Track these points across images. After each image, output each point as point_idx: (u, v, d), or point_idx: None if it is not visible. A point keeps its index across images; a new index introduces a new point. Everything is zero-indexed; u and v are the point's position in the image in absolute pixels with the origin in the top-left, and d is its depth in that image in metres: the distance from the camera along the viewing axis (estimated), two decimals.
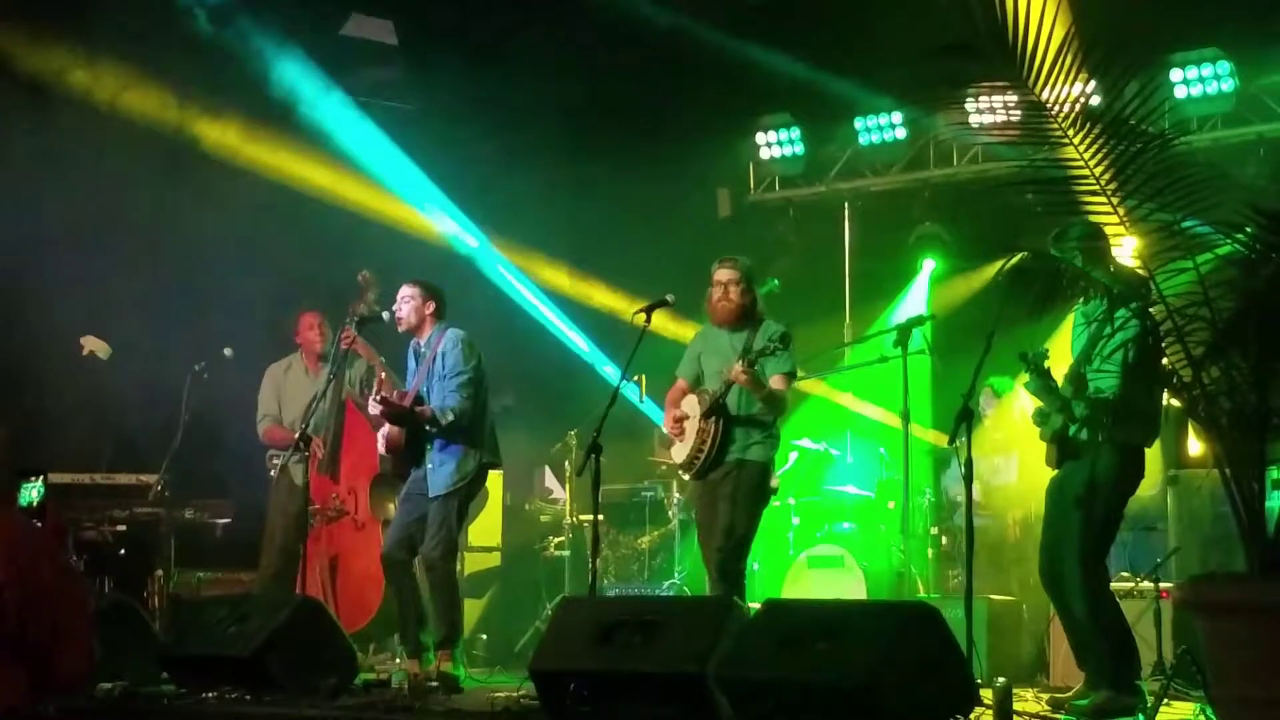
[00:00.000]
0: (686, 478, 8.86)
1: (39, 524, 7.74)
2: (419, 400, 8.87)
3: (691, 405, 8.52)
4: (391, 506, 9.88)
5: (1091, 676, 7.45)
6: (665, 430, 8.71)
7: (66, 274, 10.98)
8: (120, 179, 11.23)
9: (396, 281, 9.20)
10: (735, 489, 8.23)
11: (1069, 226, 7.10)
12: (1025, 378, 8.20)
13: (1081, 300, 6.89)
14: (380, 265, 10.10)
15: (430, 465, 8.81)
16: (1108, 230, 6.58)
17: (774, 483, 8.59)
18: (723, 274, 8.48)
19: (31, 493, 9.43)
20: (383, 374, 9.05)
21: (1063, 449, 7.48)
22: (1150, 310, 5.78)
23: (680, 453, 8.53)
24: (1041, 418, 7.61)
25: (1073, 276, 6.29)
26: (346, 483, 10.06)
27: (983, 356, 7.00)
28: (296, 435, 9.77)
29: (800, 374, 9.01)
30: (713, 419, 8.31)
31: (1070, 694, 7.57)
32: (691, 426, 8.42)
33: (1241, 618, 5.00)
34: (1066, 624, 7.70)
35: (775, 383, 8.31)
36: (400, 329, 9.05)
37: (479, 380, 8.88)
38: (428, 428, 8.78)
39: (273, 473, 10.15)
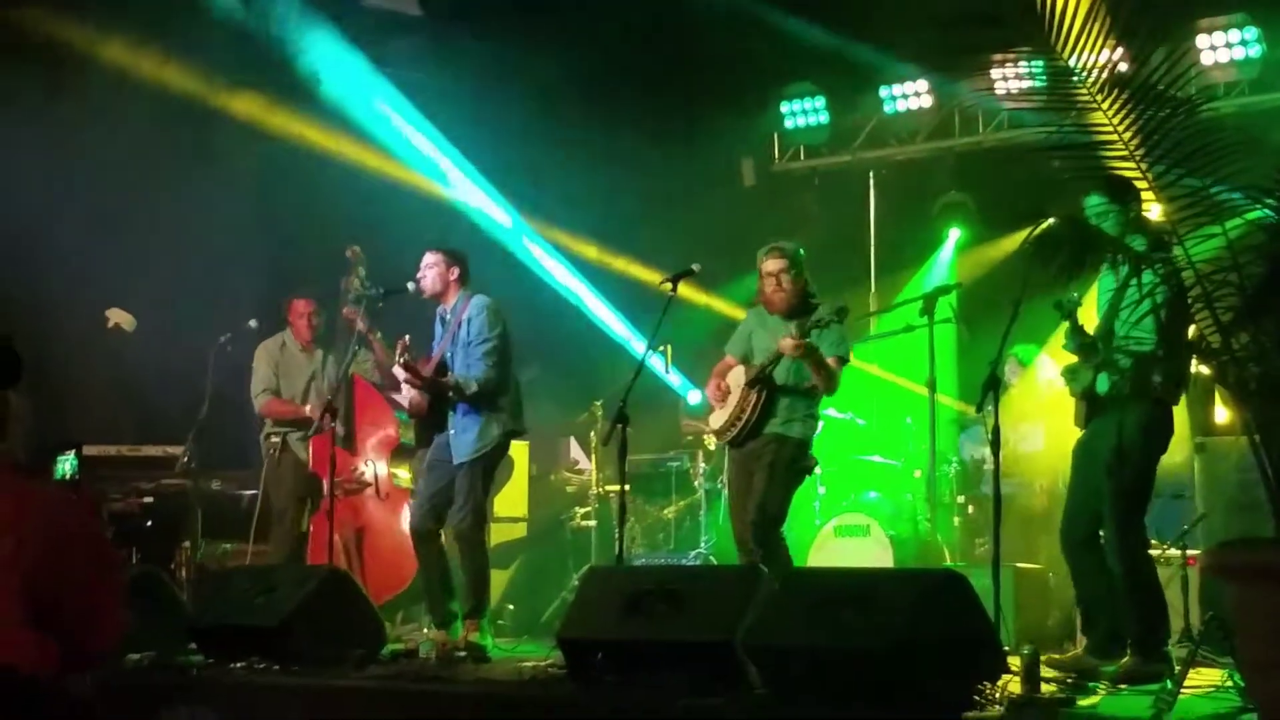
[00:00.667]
0: (714, 445, 8.80)
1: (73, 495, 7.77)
2: (442, 366, 8.87)
3: (737, 377, 8.52)
4: (400, 473, 9.93)
5: (1093, 646, 7.45)
6: (707, 396, 8.70)
7: (91, 246, 11.01)
8: (146, 151, 11.26)
9: (416, 251, 9.20)
10: (773, 462, 8.23)
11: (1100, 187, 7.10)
12: (1053, 345, 8.16)
13: (1108, 264, 6.88)
14: (403, 234, 10.12)
15: (453, 431, 8.80)
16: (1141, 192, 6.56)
17: (811, 463, 8.53)
18: (771, 264, 8.44)
19: (65, 465, 9.49)
20: (397, 344, 8.99)
21: (1091, 406, 7.47)
22: (1179, 275, 5.73)
23: (718, 419, 8.53)
24: (1070, 374, 7.60)
25: (1100, 242, 6.27)
26: (364, 455, 10.08)
27: (1010, 323, 6.96)
28: (309, 410, 9.81)
29: None
30: (756, 388, 8.31)
31: (1067, 657, 7.55)
32: (733, 395, 8.43)
33: (1270, 583, 4.98)
34: (1079, 588, 7.70)
35: (832, 363, 8.30)
36: (425, 296, 9.04)
37: (504, 348, 8.85)
38: (451, 395, 8.79)
39: (271, 452, 10.15)
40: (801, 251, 8.56)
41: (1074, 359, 7.61)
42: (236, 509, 10.63)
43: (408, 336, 8.90)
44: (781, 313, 8.45)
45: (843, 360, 8.40)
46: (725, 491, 11.57)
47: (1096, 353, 7.38)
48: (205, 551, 10.34)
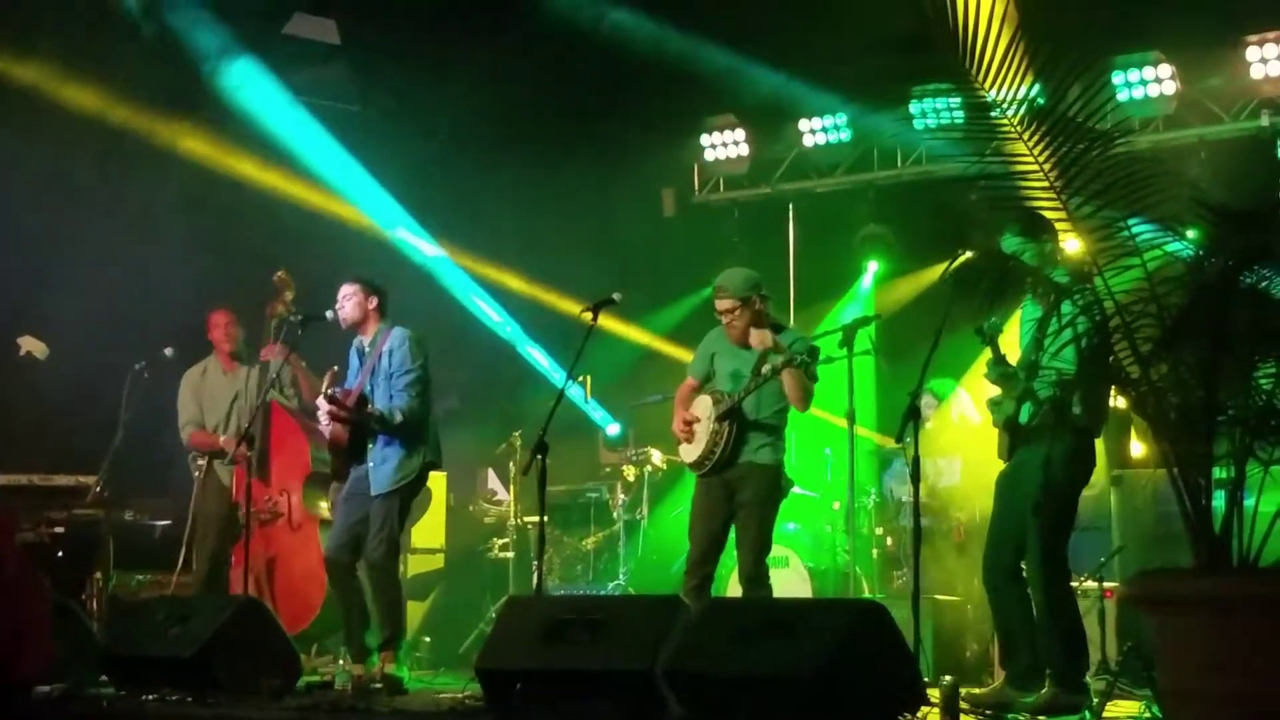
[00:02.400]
0: (633, 477, 8.77)
1: None
2: (363, 399, 8.80)
3: (702, 407, 8.49)
4: (324, 505, 9.81)
5: (1013, 677, 7.46)
6: (674, 431, 8.65)
7: (2, 273, 10.85)
8: (61, 176, 11.13)
9: (335, 279, 9.15)
10: (752, 500, 8.27)
11: (1015, 223, 7.17)
12: (969, 380, 8.15)
13: (1029, 296, 6.92)
14: (322, 263, 10.04)
15: (371, 463, 8.75)
16: (1056, 227, 6.63)
17: (787, 485, 8.55)
18: (720, 304, 8.43)
19: None
20: (326, 375, 8.91)
21: (1014, 437, 7.49)
22: (1099, 306, 5.77)
23: (691, 453, 8.49)
24: (994, 405, 7.63)
25: (1020, 274, 6.31)
26: (278, 484, 9.99)
27: (930, 353, 6.99)
28: (224, 438, 9.71)
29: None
30: (727, 421, 8.31)
31: (986, 692, 7.56)
32: (703, 428, 8.40)
33: (1189, 612, 5.01)
34: (1000, 620, 7.71)
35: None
36: (344, 327, 8.98)
37: (426, 379, 8.84)
38: (374, 427, 8.72)
39: (198, 474, 10.05)
40: (753, 280, 8.50)
41: (995, 391, 7.65)
42: (149, 539, 10.52)
43: (335, 368, 8.85)
44: (742, 345, 8.47)
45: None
46: (644, 521, 11.62)
47: (1018, 382, 7.42)
48: (118, 582, 10.19)
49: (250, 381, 9.96)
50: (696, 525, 8.47)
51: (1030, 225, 7.13)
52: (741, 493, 8.31)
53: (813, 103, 12.77)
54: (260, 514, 9.77)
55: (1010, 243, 7.28)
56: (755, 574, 8.25)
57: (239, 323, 10.17)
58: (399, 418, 8.68)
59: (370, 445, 8.78)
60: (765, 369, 8.21)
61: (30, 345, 10.62)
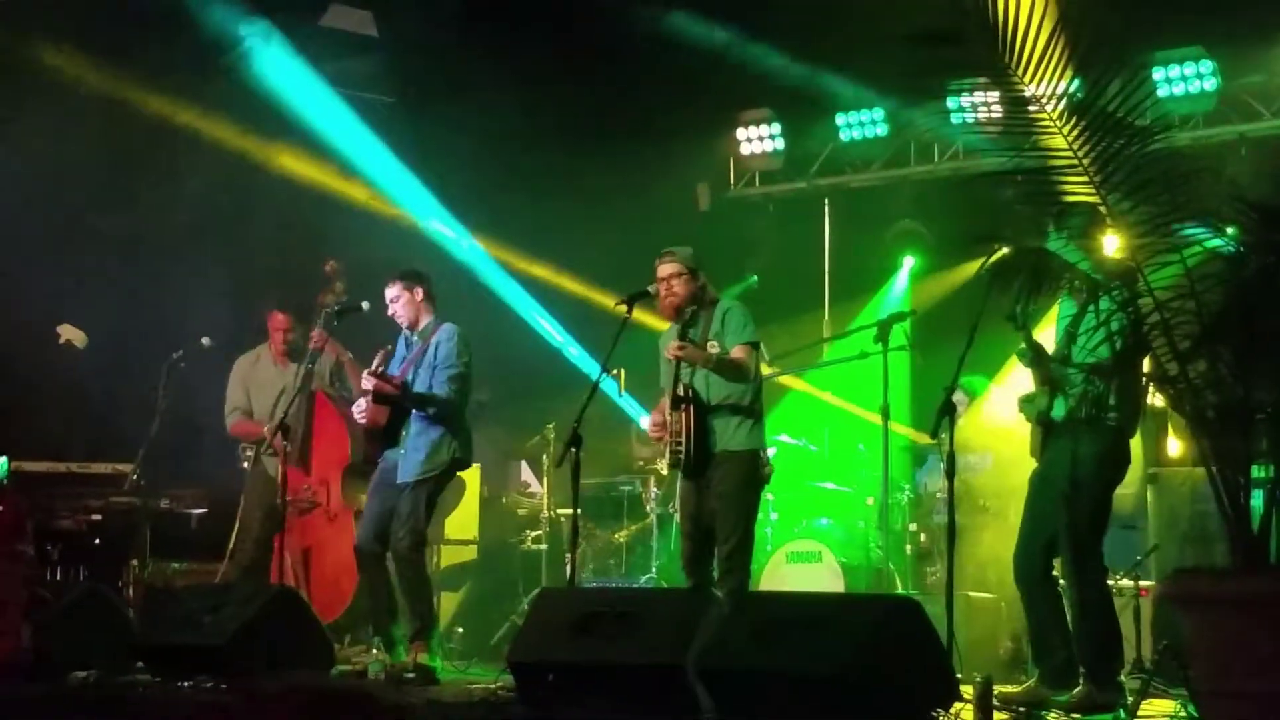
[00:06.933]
0: (666, 470, 8.69)
1: None
2: (405, 383, 8.86)
3: (662, 411, 8.44)
4: (363, 497, 9.84)
5: (1047, 675, 7.43)
6: (649, 434, 8.61)
7: (42, 261, 10.91)
8: (97, 165, 11.17)
9: (370, 271, 9.16)
10: (725, 491, 8.08)
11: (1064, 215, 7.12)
12: (1003, 378, 8.12)
13: (1066, 292, 6.88)
14: (356, 254, 10.07)
15: (404, 450, 8.82)
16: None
17: (767, 470, 8.34)
18: (663, 268, 8.38)
19: None
20: (379, 354, 8.95)
21: (1047, 431, 7.45)
22: (1136, 302, 5.74)
23: (664, 458, 8.40)
24: (1026, 401, 7.59)
25: (1057, 269, 6.28)
26: (318, 474, 10.00)
27: (965, 349, 6.98)
28: (267, 427, 9.73)
29: (776, 367, 8.88)
30: (680, 409, 8.14)
31: (1019, 690, 7.53)
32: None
33: (1226, 612, 4.99)
34: (1032, 618, 7.68)
35: (737, 352, 8.17)
36: (403, 325, 9.03)
37: (468, 375, 8.93)
38: (416, 407, 8.80)
39: (246, 464, 10.10)
40: (755, 279, 8.52)
41: (1028, 388, 7.62)
42: (185, 528, 10.54)
43: (389, 346, 8.90)
44: (673, 318, 8.40)
45: (752, 346, 8.25)
46: (676, 515, 11.62)
47: (1053, 370, 7.36)
48: (153, 570, 10.22)
49: (299, 377, 10.00)
50: (685, 524, 8.38)
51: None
52: (719, 484, 8.11)
53: (848, 97, 12.75)
54: (299, 503, 9.80)
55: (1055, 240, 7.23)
56: (729, 566, 8.04)
57: (296, 328, 10.16)
58: (440, 398, 8.77)
59: (404, 432, 8.83)
60: (667, 353, 8.11)
61: (69, 334, 10.68)
